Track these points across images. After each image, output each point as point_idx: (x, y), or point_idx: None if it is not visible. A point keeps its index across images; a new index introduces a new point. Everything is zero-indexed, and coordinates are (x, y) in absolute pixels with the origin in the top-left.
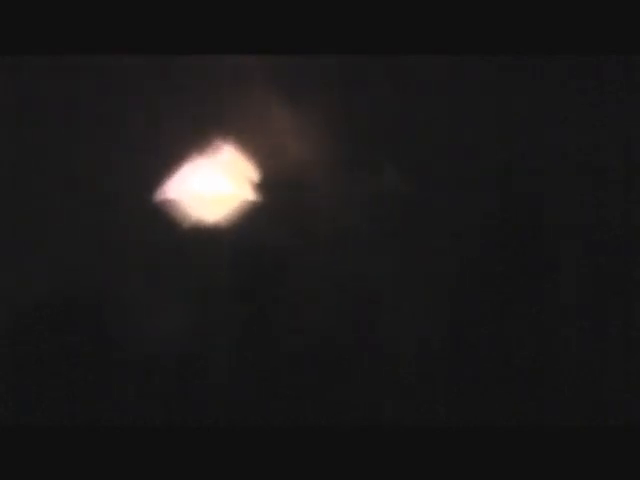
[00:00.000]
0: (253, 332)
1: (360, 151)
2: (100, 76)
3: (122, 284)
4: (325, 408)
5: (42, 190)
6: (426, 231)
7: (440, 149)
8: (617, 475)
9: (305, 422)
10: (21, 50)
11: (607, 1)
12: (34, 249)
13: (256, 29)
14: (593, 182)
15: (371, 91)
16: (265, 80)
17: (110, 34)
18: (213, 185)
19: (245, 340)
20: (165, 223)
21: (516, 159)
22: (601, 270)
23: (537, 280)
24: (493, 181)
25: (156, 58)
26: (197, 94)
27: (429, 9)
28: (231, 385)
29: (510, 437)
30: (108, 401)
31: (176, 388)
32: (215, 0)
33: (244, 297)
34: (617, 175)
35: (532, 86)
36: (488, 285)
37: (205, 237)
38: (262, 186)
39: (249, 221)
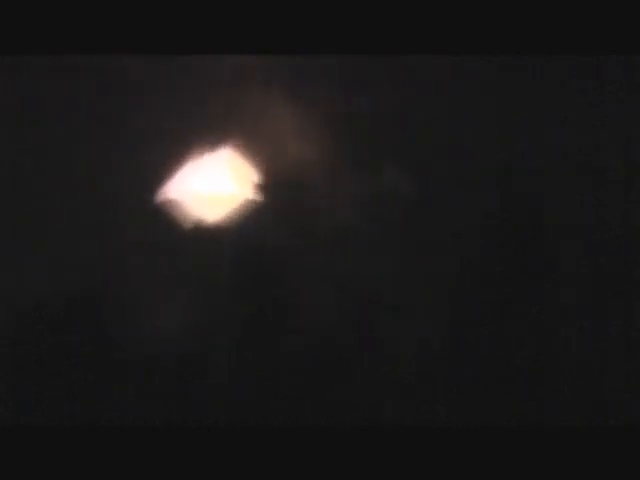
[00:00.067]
0: (253, 332)
1: (360, 151)
2: (100, 76)
3: (122, 284)
4: (325, 408)
5: (42, 190)
6: (426, 231)
7: (440, 149)
8: (617, 475)
9: (305, 422)
10: (21, 50)
11: (607, 1)
12: (34, 249)
13: (256, 29)
14: (593, 182)
15: (371, 91)
16: (265, 80)
17: (110, 34)
18: (213, 185)
19: (245, 340)
20: (165, 223)
21: (516, 159)
22: (601, 270)
23: (537, 280)
24: (493, 181)
25: (156, 58)
26: (197, 94)
27: (429, 9)
28: (231, 385)
29: (510, 437)
30: (108, 401)
31: (176, 388)
32: (215, 0)
33: (244, 297)
34: (617, 175)
35: (532, 86)
36: (488, 285)
37: (205, 237)
38: (262, 186)
39: (249, 221)
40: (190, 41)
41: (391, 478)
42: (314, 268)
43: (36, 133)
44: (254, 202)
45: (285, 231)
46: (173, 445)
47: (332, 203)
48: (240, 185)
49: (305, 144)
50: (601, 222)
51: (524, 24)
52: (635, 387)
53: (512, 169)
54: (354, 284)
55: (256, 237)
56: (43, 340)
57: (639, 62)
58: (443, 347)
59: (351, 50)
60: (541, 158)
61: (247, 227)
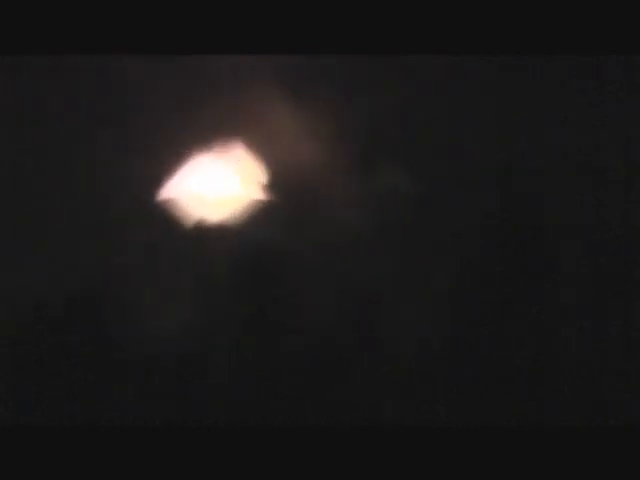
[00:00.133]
0: (253, 332)
1: (360, 151)
2: (100, 76)
3: (122, 284)
4: (325, 408)
5: (42, 190)
6: (426, 231)
7: (440, 149)
8: (617, 475)
9: (305, 422)
10: (21, 50)
11: (607, 1)
12: (34, 249)
13: (256, 29)
14: (593, 182)
15: (371, 91)
16: (265, 80)
17: (110, 34)
18: (213, 185)
19: (245, 340)
20: (165, 223)
21: (516, 159)
22: (601, 270)
23: (537, 280)
24: (493, 181)
25: (156, 58)
26: (197, 94)
27: (429, 9)
28: (231, 385)
29: (510, 437)
30: (108, 401)
31: (176, 388)
32: (215, 0)
33: (244, 297)
34: (617, 175)
35: (532, 86)
36: (488, 285)
37: (205, 237)
38: (262, 186)
39: (249, 221)
40: (190, 41)
41: (391, 478)
42: (314, 268)
43: (36, 133)
44: (254, 202)
45: (285, 231)
46: (173, 445)
47: (332, 203)
48: (240, 185)
49: (305, 144)
50: (601, 222)
51: (524, 24)
52: (635, 387)
53: (512, 169)
54: (354, 284)
55: (256, 237)
56: (43, 340)
57: (639, 62)
58: (443, 347)
59: (351, 50)
60: (541, 158)
61: (247, 227)
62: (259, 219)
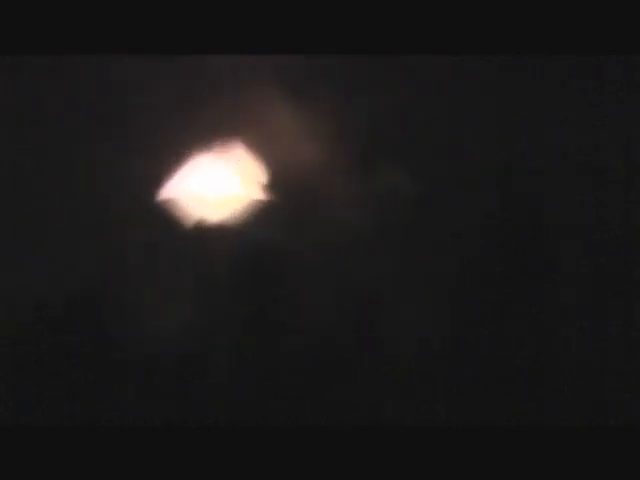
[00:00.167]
0: (253, 332)
1: (360, 151)
2: (100, 76)
3: (122, 284)
4: (325, 408)
5: (42, 190)
6: (426, 231)
7: (440, 149)
8: (617, 475)
9: (305, 422)
10: (21, 50)
11: (607, 1)
12: (34, 249)
13: (256, 29)
14: (593, 182)
15: (371, 91)
16: (265, 80)
17: (110, 34)
18: (213, 185)
19: (245, 340)
20: (165, 223)
21: (516, 159)
22: (601, 270)
23: (537, 280)
24: (493, 181)
25: (156, 58)
26: (197, 94)
27: (429, 9)
28: (231, 385)
29: (510, 437)
30: (108, 401)
31: (176, 388)
32: (215, 0)
33: (244, 297)
34: (617, 175)
35: (532, 86)
36: (488, 285)
37: (205, 237)
38: (262, 186)
39: (249, 221)
40: (190, 41)
41: (391, 478)
42: (314, 268)
43: (36, 133)
44: (254, 202)
45: (285, 231)
46: (173, 445)
47: (332, 203)
48: (239, 185)
49: (305, 144)
50: (601, 222)
51: (524, 24)
52: (635, 387)
53: (512, 169)
54: (354, 284)
55: (256, 237)
56: (43, 340)
57: (639, 62)
58: (443, 347)
59: (351, 50)
60: (541, 158)
61: (247, 227)
62: (259, 219)
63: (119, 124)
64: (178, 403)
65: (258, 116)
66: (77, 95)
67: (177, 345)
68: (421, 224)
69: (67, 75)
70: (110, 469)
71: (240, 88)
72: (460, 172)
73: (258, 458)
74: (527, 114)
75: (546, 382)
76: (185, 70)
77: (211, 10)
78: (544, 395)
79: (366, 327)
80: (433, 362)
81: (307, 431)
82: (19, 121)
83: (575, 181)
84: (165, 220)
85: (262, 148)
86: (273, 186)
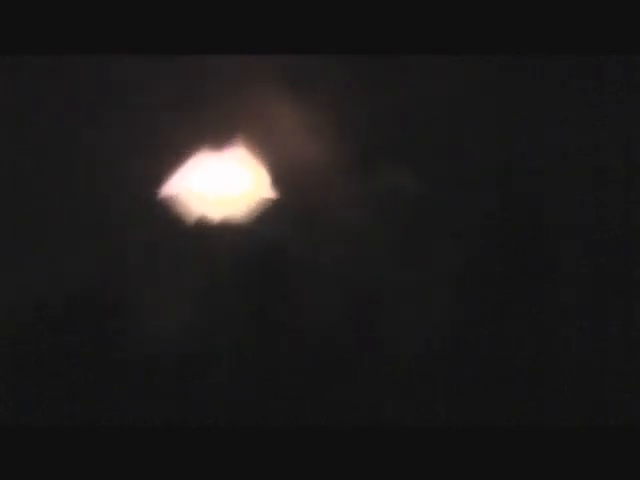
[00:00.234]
0: (253, 332)
1: (360, 151)
2: (100, 76)
3: (122, 284)
4: (325, 408)
5: (42, 190)
6: (426, 231)
7: (440, 149)
8: (617, 475)
9: (305, 422)
10: (21, 50)
11: (607, 1)
12: (34, 249)
13: (256, 29)
14: (593, 182)
15: (371, 91)
16: (265, 80)
17: (110, 34)
18: (212, 185)
19: (245, 340)
20: (165, 223)
21: (516, 159)
22: (601, 270)
23: (537, 280)
24: (493, 181)
25: (156, 58)
26: (197, 94)
27: (429, 9)
28: (231, 385)
29: (510, 437)
30: (108, 401)
31: (176, 388)
32: (216, 0)
33: (245, 297)
34: (617, 175)
35: (532, 86)
36: (488, 285)
37: (205, 237)
38: (262, 186)
39: (249, 221)
40: (190, 41)
41: (391, 478)
42: (314, 268)
43: (36, 133)
44: (253, 202)
45: (285, 231)
46: (173, 445)
47: (332, 203)
48: (239, 185)
49: (305, 144)
50: (601, 222)
51: (524, 24)
52: (635, 387)
53: (512, 169)
54: (354, 284)
55: (256, 237)
56: (43, 340)
57: (639, 62)
58: (443, 347)
59: (351, 50)
60: (541, 158)
61: (247, 227)
62: (259, 219)
63: (119, 124)
64: (178, 403)
65: (258, 116)
66: (77, 95)
67: (177, 345)
68: (421, 224)
69: (67, 75)
70: (110, 469)
71: (240, 88)
72: (460, 172)
73: (258, 458)
74: (527, 114)
75: (546, 382)
76: (185, 70)
77: (211, 10)
78: (544, 395)
79: (366, 327)
80: (433, 362)
81: (307, 431)
82: (19, 121)
83: (575, 181)
84: (165, 220)
85: (262, 148)
86: (273, 186)
